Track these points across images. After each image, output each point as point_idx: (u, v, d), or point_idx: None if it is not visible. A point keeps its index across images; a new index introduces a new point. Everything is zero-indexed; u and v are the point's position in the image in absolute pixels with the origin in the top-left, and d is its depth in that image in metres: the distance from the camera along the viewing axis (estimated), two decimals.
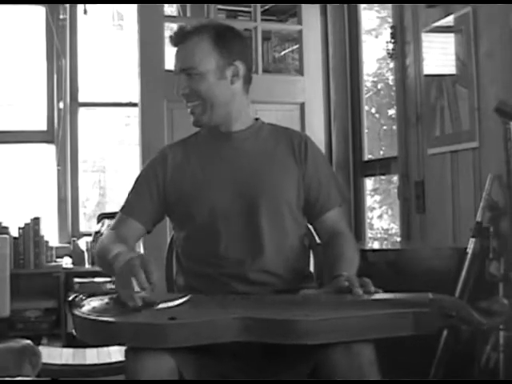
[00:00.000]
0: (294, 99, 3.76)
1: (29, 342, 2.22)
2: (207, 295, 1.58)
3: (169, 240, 1.97)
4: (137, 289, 1.40)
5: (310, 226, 1.86)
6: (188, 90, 1.72)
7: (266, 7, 4.11)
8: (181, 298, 1.49)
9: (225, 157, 1.77)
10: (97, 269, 3.60)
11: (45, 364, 2.29)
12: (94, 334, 1.38)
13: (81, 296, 1.50)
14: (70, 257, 3.91)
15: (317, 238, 1.92)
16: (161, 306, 1.42)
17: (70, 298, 1.50)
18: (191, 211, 1.73)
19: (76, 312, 1.41)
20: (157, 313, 1.38)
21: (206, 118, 1.75)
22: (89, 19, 4.28)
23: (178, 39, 1.74)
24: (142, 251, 3.33)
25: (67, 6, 4.16)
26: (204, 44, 1.71)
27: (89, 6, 4.17)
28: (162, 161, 1.81)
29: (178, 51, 1.74)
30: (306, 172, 1.76)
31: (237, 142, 1.77)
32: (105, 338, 1.37)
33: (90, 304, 1.46)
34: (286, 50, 4.36)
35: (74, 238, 3.97)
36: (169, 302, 1.44)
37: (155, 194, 1.78)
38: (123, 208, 1.82)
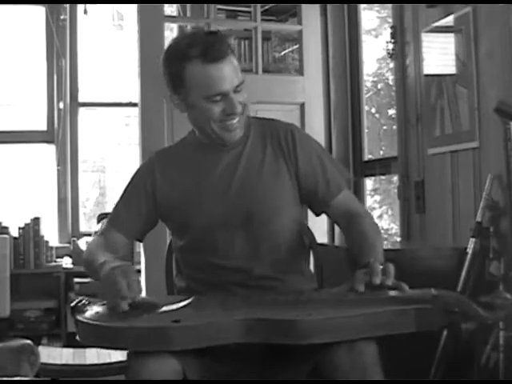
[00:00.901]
0: (294, 99, 3.76)
1: (27, 341, 2.22)
2: (209, 297, 1.58)
3: (168, 241, 1.97)
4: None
5: (314, 221, 1.84)
6: (240, 106, 1.63)
7: (266, 7, 4.11)
8: (183, 300, 1.48)
9: (216, 169, 1.71)
10: None
11: (45, 364, 2.29)
12: (98, 339, 1.38)
13: (83, 301, 1.50)
14: (70, 257, 3.91)
15: (317, 238, 1.92)
16: (164, 308, 1.42)
17: (73, 304, 1.49)
18: (187, 223, 1.71)
19: (79, 318, 1.41)
20: (160, 316, 1.38)
21: (242, 129, 1.70)
22: (89, 19, 4.28)
23: (221, 54, 1.58)
24: (142, 252, 3.33)
25: (67, 5, 4.17)
26: (233, 55, 1.62)
27: (89, 6, 4.18)
28: (149, 171, 1.77)
29: (220, 70, 1.57)
30: (299, 166, 1.71)
31: (227, 150, 1.72)
32: (109, 342, 1.37)
33: (93, 309, 1.46)
34: (286, 50, 4.37)
35: (74, 238, 3.97)
36: (171, 304, 1.44)
37: (144, 209, 1.75)
38: (111, 219, 1.80)
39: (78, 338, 1.42)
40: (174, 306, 1.44)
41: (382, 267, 1.41)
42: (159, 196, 1.74)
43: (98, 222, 3.88)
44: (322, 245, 1.97)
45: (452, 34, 2.80)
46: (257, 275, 1.67)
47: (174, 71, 1.64)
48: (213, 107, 1.61)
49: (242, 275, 1.67)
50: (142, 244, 3.32)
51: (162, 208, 1.74)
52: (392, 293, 1.39)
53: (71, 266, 3.82)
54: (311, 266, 1.89)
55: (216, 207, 1.68)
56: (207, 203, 1.69)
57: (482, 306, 1.31)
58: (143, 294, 1.46)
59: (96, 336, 1.37)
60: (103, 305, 1.49)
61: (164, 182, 1.74)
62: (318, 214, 1.79)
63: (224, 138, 1.67)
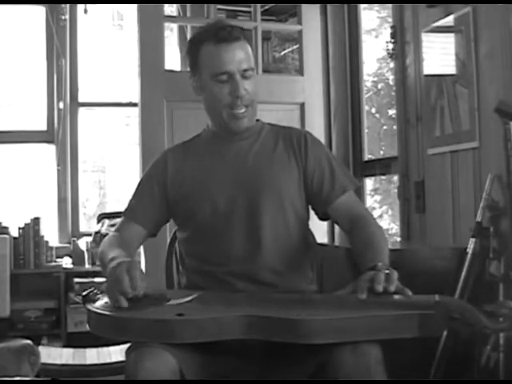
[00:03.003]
0: (293, 99, 3.76)
1: (28, 341, 2.22)
2: (214, 293, 1.59)
3: (169, 240, 1.97)
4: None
5: (320, 223, 1.85)
6: (245, 92, 1.69)
7: (266, 7, 4.12)
8: (189, 295, 1.51)
9: (226, 157, 1.76)
10: (97, 269, 3.61)
11: (45, 364, 2.29)
12: (106, 328, 1.41)
13: (95, 291, 1.53)
14: (70, 257, 3.91)
15: (317, 238, 1.92)
16: (171, 302, 1.45)
17: (85, 293, 1.53)
18: (193, 212, 1.74)
19: (89, 307, 1.45)
20: (166, 309, 1.41)
21: (251, 121, 1.76)
22: (89, 19, 4.28)
23: (232, 36, 1.68)
24: (142, 251, 3.33)
25: (67, 5, 4.17)
26: (248, 43, 1.73)
27: (89, 6, 4.17)
28: (163, 164, 1.82)
29: (229, 51, 1.68)
30: (308, 166, 1.75)
31: (238, 142, 1.77)
32: (115, 332, 1.40)
33: (103, 299, 1.50)
34: (286, 50, 4.37)
35: (74, 238, 3.97)
36: (178, 299, 1.47)
37: (158, 197, 1.79)
38: (126, 212, 1.83)
39: (87, 326, 1.46)
40: (180, 300, 1.46)
41: (387, 271, 1.41)
42: (170, 185, 1.78)
43: (98, 221, 3.89)
44: (321, 245, 1.97)
45: (452, 34, 2.80)
46: (258, 266, 1.67)
47: (192, 54, 1.75)
48: (220, 89, 1.68)
49: (244, 265, 1.67)
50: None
51: (172, 197, 1.78)
52: (395, 297, 1.39)
53: (71, 265, 3.82)
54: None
55: (222, 195, 1.71)
56: (213, 191, 1.72)
57: (485, 315, 1.30)
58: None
59: (104, 325, 1.41)
60: None
61: (175, 172, 1.79)
62: (321, 218, 1.80)
63: (231, 125, 1.72)
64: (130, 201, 1.85)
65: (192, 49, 1.75)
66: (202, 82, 1.73)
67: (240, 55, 1.68)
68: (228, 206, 1.70)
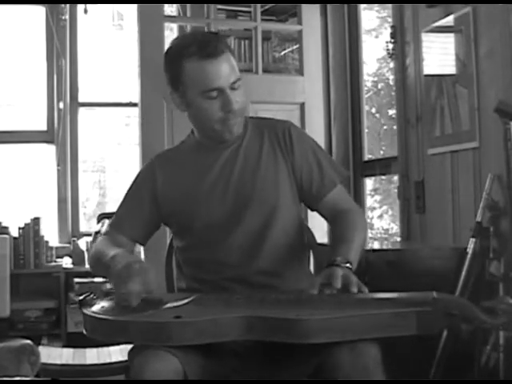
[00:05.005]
0: (293, 99, 3.76)
1: (28, 341, 2.22)
2: (212, 295, 1.58)
3: (169, 241, 1.97)
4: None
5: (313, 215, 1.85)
6: (237, 105, 1.65)
7: (266, 7, 4.12)
8: (187, 297, 1.50)
9: (215, 166, 1.73)
10: None
11: (45, 364, 2.29)
12: (103, 332, 1.41)
13: (91, 295, 1.53)
14: (70, 257, 3.91)
15: (317, 238, 1.92)
16: (168, 305, 1.44)
17: (81, 297, 1.53)
18: (188, 223, 1.72)
19: (85, 311, 1.45)
20: (163, 312, 1.41)
21: (240, 127, 1.72)
22: (89, 19, 4.28)
23: (217, 51, 1.61)
24: (142, 253, 3.33)
25: (67, 5, 4.16)
26: (231, 53, 1.66)
27: (89, 6, 4.17)
28: (151, 175, 1.78)
29: (216, 66, 1.60)
30: (295, 161, 1.74)
31: (224, 150, 1.74)
32: (112, 335, 1.40)
33: (100, 303, 1.49)
34: (286, 50, 4.37)
35: (74, 238, 3.97)
36: (175, 301, 1.47)
37: (146, 209, 1.76)
38: (113, 222, 1.81)
39: (84, 331, 1.45)
40: (178, 303, 1.46)
41: (347, 265, 1.46)
42: (161, 198, 1.75)
43: (98, 221, 3.88)
44: (321, 245, 1.97)
45: (452, 34, 2.80)
46: (256, 270, 1.67)
47: (174, 69, 1.66)
48: (211, 105, 1.63)
49: (242, 270, 1.67)
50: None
51: (164, 210, 1.75)
52: (393, 295, 1.39)
53: (71, 265, 3.82)
54: (311, 266, 1.89)
55: (216, 204, 1.70)
56: (207, 201, 1.70)
57: (484, 311, 1.30)
58: None
59: (101, 329, 1.41)
60: (110, 299, 1.52)
61: (165, 184, 1.75)
62: (313, 209, 1.80)
63: (224, 136, 1.69)
64: (118, 211, 1.81)
65: (172, 64, 1.67)
66: (187, 99, 1.66)
67: (227, 69, 1.62)
68: (223, 216, 1.69)
